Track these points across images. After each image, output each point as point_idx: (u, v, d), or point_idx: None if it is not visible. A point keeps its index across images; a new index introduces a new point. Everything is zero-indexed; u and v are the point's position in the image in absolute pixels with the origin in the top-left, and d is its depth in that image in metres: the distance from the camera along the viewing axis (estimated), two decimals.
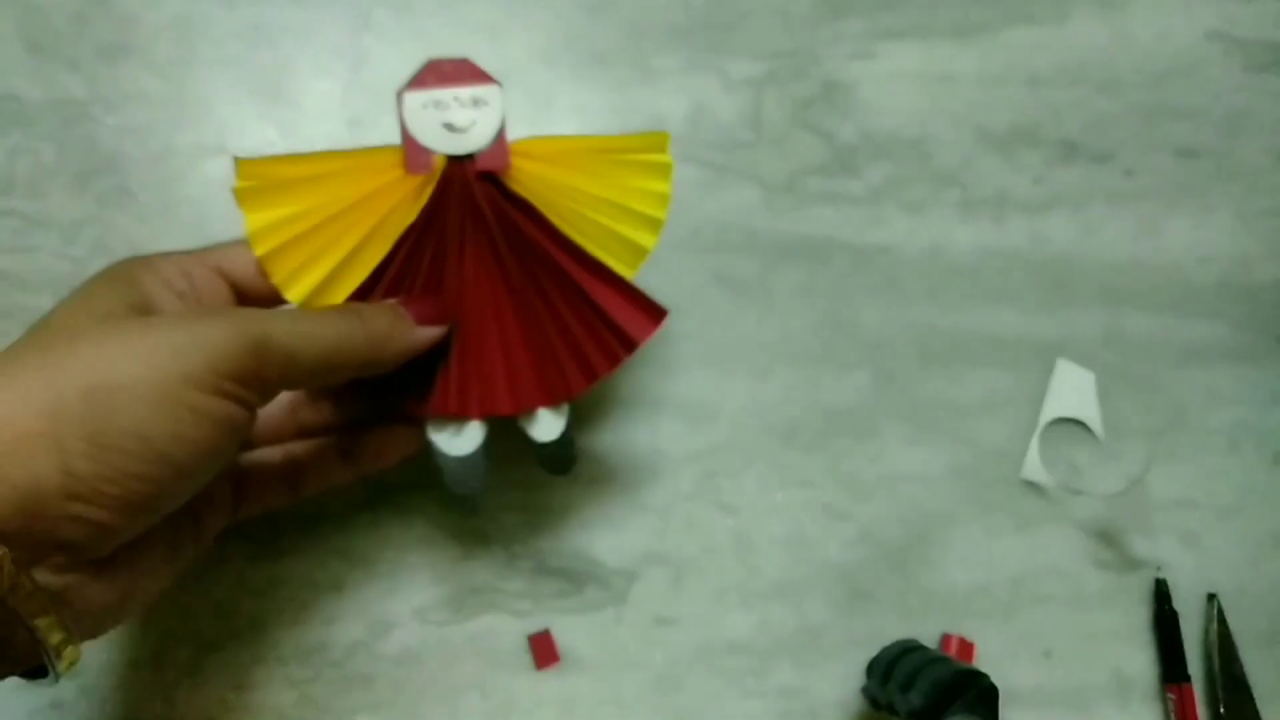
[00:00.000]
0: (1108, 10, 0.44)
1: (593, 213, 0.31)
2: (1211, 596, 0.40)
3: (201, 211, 0.38)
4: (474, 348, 0.31)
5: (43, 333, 0.25)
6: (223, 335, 0.24)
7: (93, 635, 0.26)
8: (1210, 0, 0.45)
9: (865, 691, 0.36)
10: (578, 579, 0.38)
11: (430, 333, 0.29)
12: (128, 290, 0.26)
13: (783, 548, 0.39)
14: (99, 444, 0.22)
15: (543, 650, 0.36)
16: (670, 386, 0.39)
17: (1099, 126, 0.43)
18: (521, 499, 0.38)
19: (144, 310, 0.26)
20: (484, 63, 0.40)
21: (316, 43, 0.40)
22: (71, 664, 0.24)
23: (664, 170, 0.32)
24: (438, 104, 0.30)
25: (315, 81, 0.39)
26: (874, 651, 0.37)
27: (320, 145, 0.39)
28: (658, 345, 0.39)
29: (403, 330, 0.28)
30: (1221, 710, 0.39)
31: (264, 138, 0.39)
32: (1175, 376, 0.42)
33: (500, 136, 0.31)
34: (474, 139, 0.30)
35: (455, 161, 0.30)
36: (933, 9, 0.43)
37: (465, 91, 0.30)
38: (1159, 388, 0.42)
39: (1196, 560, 0.40)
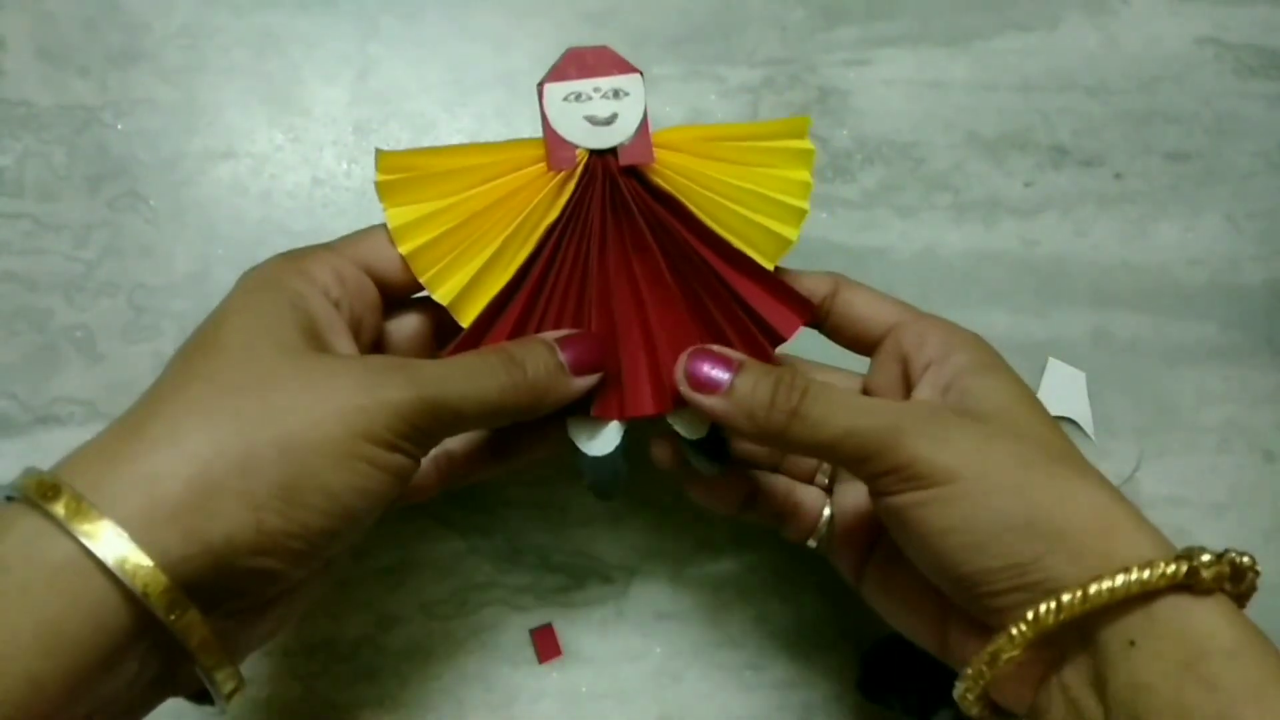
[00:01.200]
0: (1098, 16, 0.45)
1: (735, 204, 0.30)
2: None
3: (211, 215, 0.39)
4: (615, 345, 0.30)
5: (224, 364, 0.24)
6: (403, 398, 0.24)
7: (244, 658, 0.26)
8: (1200, 6, 0.45)
9: (861, 685, 0.37)
10: (580, 574, 0.38)
11: (586, 383, 0.29)
12: (295, 311, 0.26)
13: (780, 542, 0.39)
14: (290, 500, 0.23)
15: (545, 644, 0.37)
16: None
17: (1089, 131, 0.44)
18: (524, 495, 0.38)
19: (313, 333, 0.26)
20: (486, 70, 0.41)
21: (324, 50, 0.40)
22: (235, 694, 0.25)
23: (806, 157, 0.31)
24: (578, 96, 0.29)
25: (323, 88, 0.40)
26: (869, 645, 0.37)
27: (328, 152, 0.40)
28: None
29: (561, 382, 0.28)
30: None
31: (272, 143, 0.40)
32: (1165, 376, 0.42)
33: (643, 127, 0.30)
34: (617, 132, 0.30)
35: (598, 155, 0.30)
36: (925, 17, 0.43)
37: (606, 82, 0.30)
38: (1149, 387, 0.42)
39: None
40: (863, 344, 0.32)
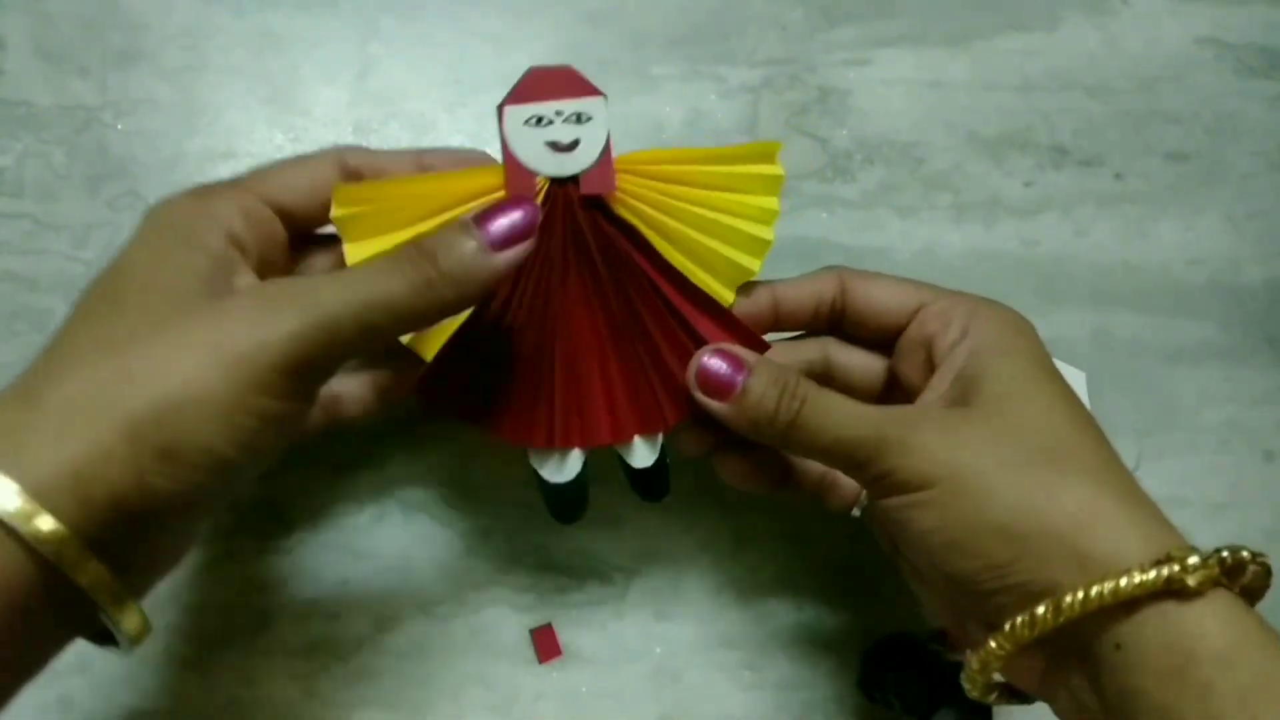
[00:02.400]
0: (1098, 16, 0.45)
1: (698, 233, 0.30)
2: None
3: None
4: (575, 378, 0.30)
5: (117, 318, 0.24)
6: (293, 331, 0.23)
7: (148, 591, 0.26)
8: (1200, 6, 0.45)
9: (861, 685, 0.37)
10: (579, 574, 0.38)
11: (513, 256, 0.26)
12: (195, 257, 0.25)
13: (780, 543, 0.39)
14: (173, 462, 0.23)
15: (545, 644, 0.37)
16: None
17: (1089, 131, 0.44)
18: (524, 495, 0.38)
19: (214, 279, 0.25)
20: (486, 70, 0.41)
21: (324, 50, 0.40)
22: (140, 639, 0.25)
23: (774, 183, 0.31)
24: (539, 119, 0.28)
25: (323, 88, 0.40)
26: (869, 645, 0.37)
27: None
28: None
29: (484, 263, 0.25)
30: None
31: (272, 143, 0.40)
32: (1165, 376, 0.42)
33: (605, 153, 0.29)
34: (578, 159, 0.29)
35: (558, 183, 0.29)
36: (925, 17, 0.43)
37: (569, 105, 0.28)
38: (1149, 387, 0.42)
39: None
40: (888, 335, 0.32)
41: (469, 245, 0.25)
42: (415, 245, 0.25)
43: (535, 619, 0.38)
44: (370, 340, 0.25)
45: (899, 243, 0.42)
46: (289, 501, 0.37)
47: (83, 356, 0.23)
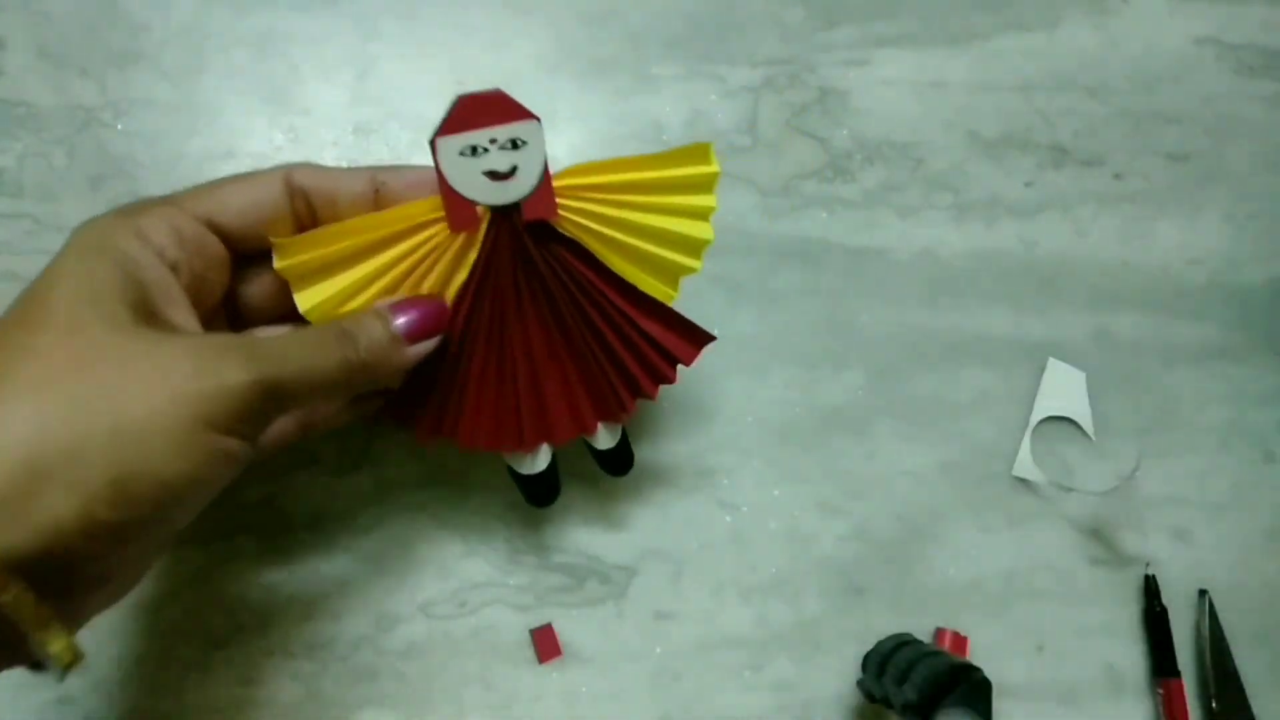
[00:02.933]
0: (1098, 17, 0.45)
1: (640, 241, 0.31)
2: (1203, 593, 0.40)
3: None
4: (538, 386, 0.32)
5: (52, 339, 0.23)
6: (240, 380, 0.24)
7: (86, 621, 0.26)
8: (1200, 6, 0.45)
9: (860, 685, 0.37)
10: (579, 574, 0.38)
11: (421, 350, 0.28)
12: (125, 280, 0.25)
13: (779, 543, 0.39)
14: (122, 491, 0.22)
15: (545, 644, 0.37)
16: (670, 386, 0.40)
17: (1089, 131, 0.44)
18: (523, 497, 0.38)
19: (144, 304, 0.25)
20: (486, 70, 0.41)
21: (324, 50, 0.40)
22: (72, 666, 0.24)
23: (709, 180, 0.31)
24: (475, 149, 0.28)
25: (322, 88, 0.40)
26: (869, 645, 0.37)
27: (328, 152, 0.40)
28: None
29: (396, 353, 0.28)
30: (1214, 705, 0.39)
31: (272, 143, 0.40)
32: (1165, 376, 0.42)
33: (544, 178, 0.29)
34: (518, 186, 0.28)
35: (499, 212, 0.29)
36: (925, 17, 0.43)
37: (503, 131, 0.28)
38: (1149, 387, 0.42)
39: (1188, 557, 0.41)
40: None
41: (383, 336, 0.27)
42: (340, 326, 0.26)
43: (535, 619, 0.38)
44: (307, 402, 0.26)
45: (899, 243, 0.42)
46: (289, 501, 0.37)
47: (18, 377, 0.22)
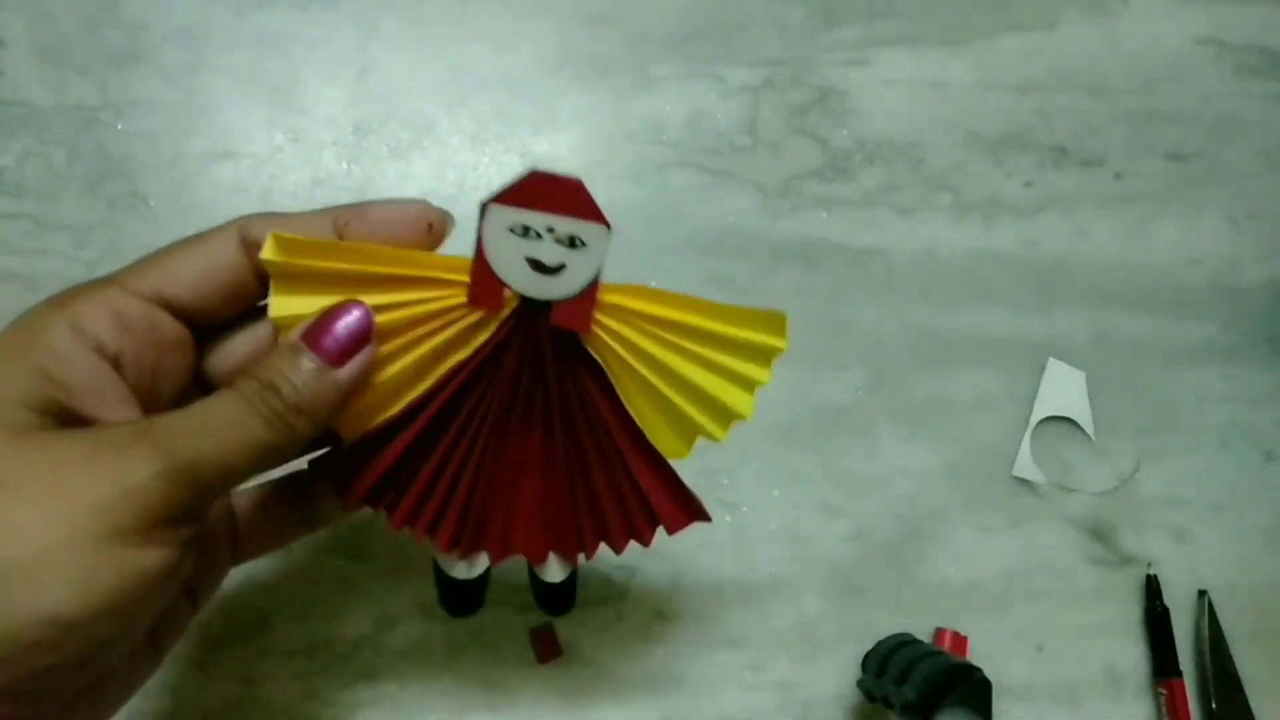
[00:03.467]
0: (1098, 16, 0.45)
1: (669, 389, 0.27)
2: (1202, 593, 0.40)
3: (210, 216, 0.38)
4: (501, 493, 0.28)
5: None
6: (147, 474, 0.20)
7: None
8: (1200, 6, 0.45)
9: (861, 685, 0.37)
10: (579, 574, 0.38)
11: (356, 367, 0.24)
12: (40, 382, 0.21)
13: (780, 544, 0.39)
14: (9, 641, 0.18)
15: (545, 644, 0.37)
16: None
17: (1089, 131, 0.44)
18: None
19: (61, 407, 0.21)
20: (487, 70, 0.41)
21: (324, 50, 0.40)
22: None
23: (770, 354, 0.27)
24: (527, 230, 0.24)
25: (323, 88, 0.40)
26: (869, 646, 0.37)
27: (328, 152, 0.40)
28: None
29: (327, 383, 0.23)
30: (1213, 705, 0.39)
31: (272, 143, 0.40)
32: (1165, 376, 0.42)
33: (592, 288, 0.24)
34: (561, 286, 0.24)
35: (529, 305, 0.25)
36: (925, 17, 0.43)
37: (565, 224, 0.24)
38: (1149, 387, 0.42)
39: (1188, 557, 0.41)
40: None
41: (307, 368, 0.22)
42: (254, 379, 0.22)
43: (535, 619, 0.38)
44: (235, 482, 0.22)
45: (899, 243, 0.42)
46: None
47: None
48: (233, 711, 0.36)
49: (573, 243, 0.24)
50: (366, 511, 0.37)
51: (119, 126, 0.39)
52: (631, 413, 0.27)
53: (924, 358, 0.41)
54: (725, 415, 0.28)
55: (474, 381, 0.26)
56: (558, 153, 0.41)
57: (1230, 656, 0.40)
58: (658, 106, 0.41)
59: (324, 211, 0.25)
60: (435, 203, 0.26)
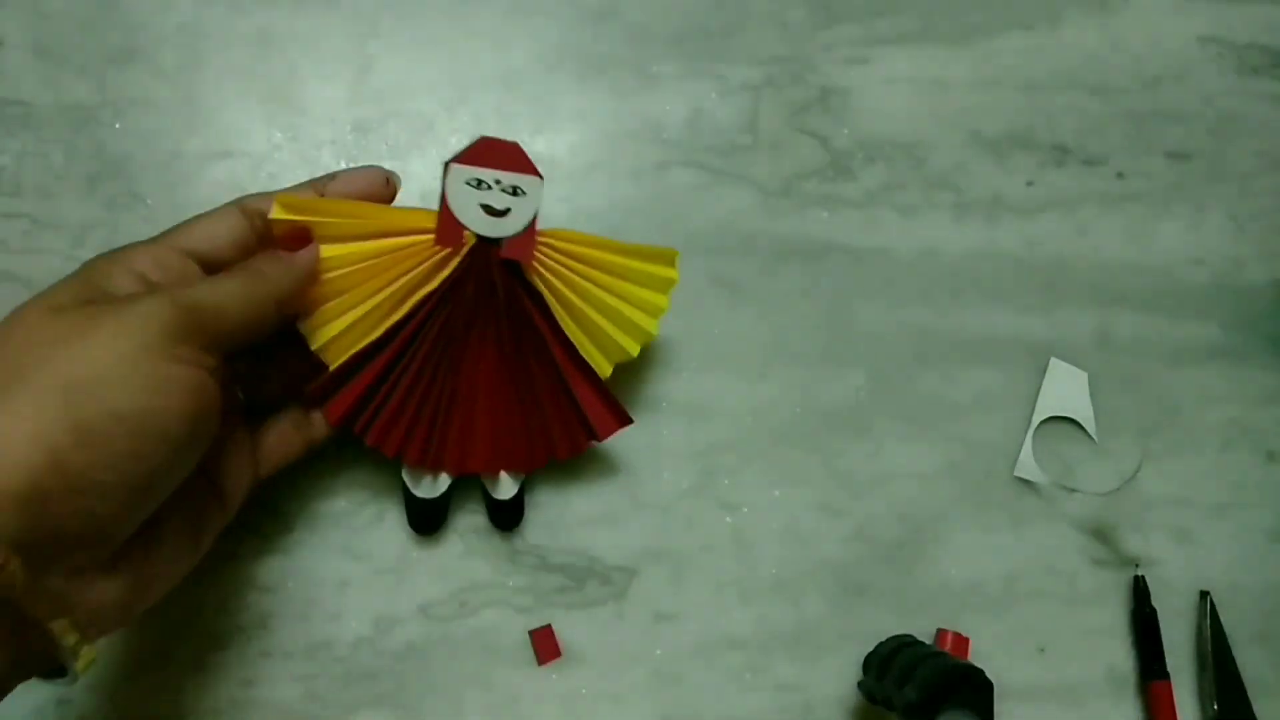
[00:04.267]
0: (1100, 15, 0.45)
1: (594, 313, 0.34)
2: (1204, 594, 0.40)
3: None
4: (462, 411, 0.34)
5: (4, 340, 0.25)
6: (160, 307, 0.26)
7: (102, 634, 0.27)
8: (1202, 5, 0.45)
9: (861, 686, 0.37)
10: (579, 575, 0.38)
11: (307, 258, 0.31)
12: (83, 287, 0.27)
13: (780, 544, 0.39)
14: (84, 432, 0.23)
15: (544, 645, 0.37)
16: (670, 386, 0.40)
17: (1091, 130, 0.44)
18: (523, 496, 0.38)
19: (97, 300, 0.27)
20: (486, 69, 0.41)
21: (322, 49, 0.40)
22: (88, 664, 0.25)
23: (667, 283, 0.35)
24: (480, 183, 0.31)
25: (321, 87, 0.40)
26: (870, 647, 0.37)
27: (326, 150, 0.39)
28: (658, 346, 0.39)
29: (289, 269, 0.30)
30: (1215, 706, 0.39)
31: (270, 142, 0.39)
32: (1167, 376, 0.42)
33: (531, 227, 0.32)
34: (507, 225, 0.32)
35: (483, 241, 0.32)
36: (927, 16, 0.43)
37: (508, 177, 0.32)
38: (1151, 387, 0.42)
39: (1189, 557, 0.41)
40: None
41: (278, 260, 0.31)
42: (244, 264, 0.30)
43: (534, 620, 0.38)
44: (228, 325, 0.28)
45: (900, 242, 0.42)
46: (289, 501, 0.37)
47: None
48: (232, 712, 0.36)
49: (515, 191, 0.32)
50: (368, 514, 0.37)
51: (117, 126, 0.39)
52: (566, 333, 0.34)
53: (925, 358, 0.41)
54: (639, 333, 0.35)
55: (438, 310, 0.32)
56: (557, 152, 0.41)
57: (1232, 657, 0.40)
58: (658, 105, 0.41)
59: (304, 184, 0.32)
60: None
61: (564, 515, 0.38)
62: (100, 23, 0.39)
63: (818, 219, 0.41)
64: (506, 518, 0.37)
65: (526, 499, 0.37)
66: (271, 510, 0.37)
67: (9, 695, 0.34)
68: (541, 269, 0.33)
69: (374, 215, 0.31)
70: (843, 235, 0.41)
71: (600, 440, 0.36)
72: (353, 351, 0.32)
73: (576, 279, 0.34)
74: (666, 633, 0.38)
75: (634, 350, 0.35)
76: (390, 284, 0.32)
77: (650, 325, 0.35)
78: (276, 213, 0.30)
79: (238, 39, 0.40)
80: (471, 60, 0.41)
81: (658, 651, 0.38)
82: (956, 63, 0.43)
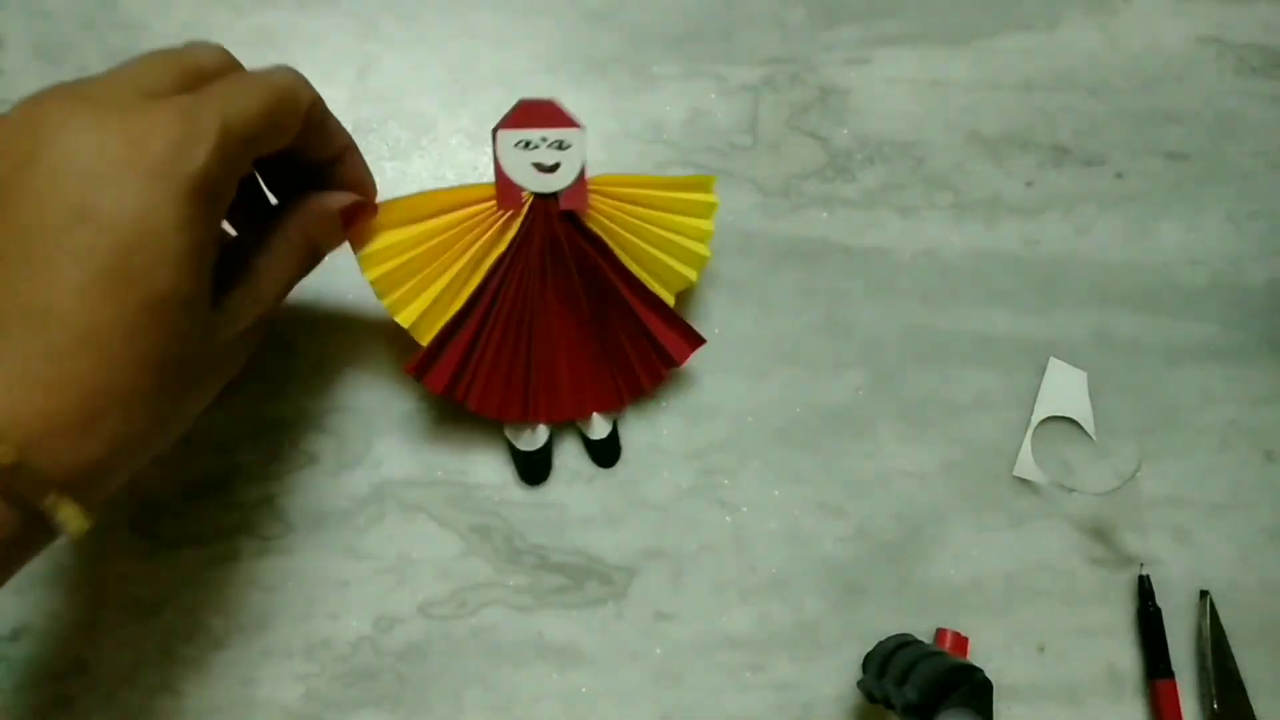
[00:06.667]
0: (1099, 15, 0.45)
1: (650, 247, 0.36)
2: (1204, 594, 0.40)
3: None
4: (547, 363, 0.36)
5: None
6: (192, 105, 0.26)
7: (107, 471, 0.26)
8: (1201, 5, 0.45)
9: (861, 686, 0.37)
10: (579, 574, 0.38)
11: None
12: (176, 68, 0.27)
13: (780, 544, 0.39)
14: (90, 218, 0.24)
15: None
16: (670, 385, 0.40)
17: (1090, 130, 0.44)
18: (524, 495, 0.38)
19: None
20: (486, 69, 0.41)
21: (323, 49, 0.40)
22: (82, 526, 0.25)
23: (709, 208, 0.37)
24: (527, 144, 0.34)
25: (321, 88, 0.40)
26: (869, 646, 0.37)
27: None
28: None
29: (300, 84, 0.30)
30: (1215, 707, 0.39)
31: None
32: (1166, 376, 0.42)
33: (581, 176, 0.34)
34: (559, 179, 0.34)
35: (540, 198, 0.34)
36: (926, 16, 0.43)
37: (553, 133, 0.34)
38: (1150, 387, 0.42)
39: (1189, 557, 0.41)
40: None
41: (290, 74, 0.30)
42: (259, 76, 0.29)
43: (535, 619, 0.38)
44: (247, 138, 0.27)
45: (900, 242, 0.42)
46: (289, 501, 0.37)
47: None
48: (233, 712, 0.36)
49: (560, 145, 0.34)
50: (368, 514, 0.38)
51: None
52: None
53: (925, 357, 0.41)
54: (694, 259, 0.37)
55: (511, 270, 0.35)
56: None
57: (1232, 657, 0.40)
58: (657, 105, 0.41)
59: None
60: None
61: (564, 515, 0.38)
62: (100, 23, 0.40)
63: (817, 219, 0.42)
64: (604, 455, 0.39)
65: (620, 443, 0.39)
66: (272, 510, 0.37)
67: (11, 696, 0.34)
68: (597, 214, 0.35)
69: (439, 198, 0.34)
70: (842, 235, 0.42)
71: (679, 365, 0.37)
72: (442, 324, 0.34)
73: (629, 218, 0.36)
74: (666, 632, 0.38)
75: (693, 276, 0.37)
76: (463, 254, 0.34)
77: (702, 249, 0.37)
78: (367, 273, 0.34)
79: (238, 39, 0.40)
80: (472, 60, 0.41)
81: (657, 651, 0.38)
82: (956, 63, 0.43)
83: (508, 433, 0.37)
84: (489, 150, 0.34)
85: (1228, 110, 0.45)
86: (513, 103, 0.33)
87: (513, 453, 0.38)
